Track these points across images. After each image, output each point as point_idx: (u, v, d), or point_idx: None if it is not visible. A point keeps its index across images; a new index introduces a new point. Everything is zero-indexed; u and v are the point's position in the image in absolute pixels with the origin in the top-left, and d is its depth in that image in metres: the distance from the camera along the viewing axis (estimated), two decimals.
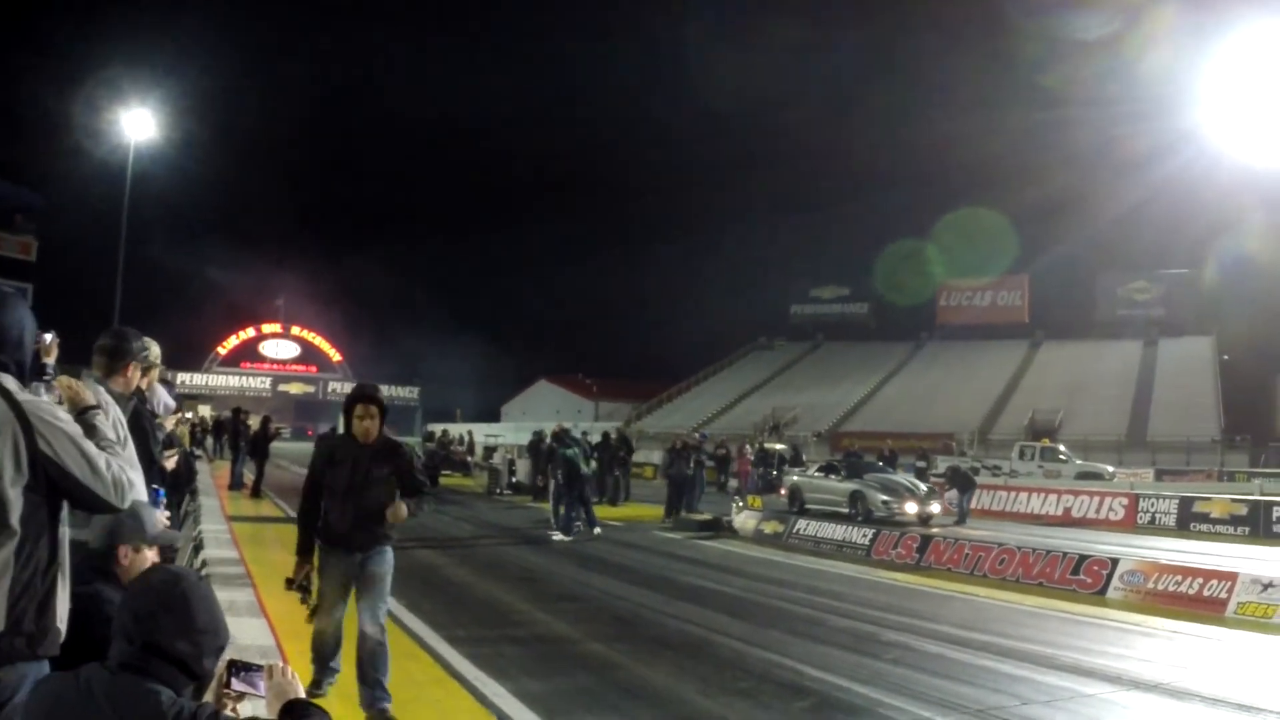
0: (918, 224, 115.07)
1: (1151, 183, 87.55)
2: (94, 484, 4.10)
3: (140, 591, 3.62)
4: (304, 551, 9.48)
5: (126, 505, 4.25)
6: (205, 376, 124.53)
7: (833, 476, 32.91)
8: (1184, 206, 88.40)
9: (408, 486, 9.35)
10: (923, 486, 31.65)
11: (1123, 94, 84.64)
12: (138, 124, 53.31)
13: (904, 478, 32.93)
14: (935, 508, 30.86)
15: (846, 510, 30.43)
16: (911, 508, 29.80)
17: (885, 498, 30.10)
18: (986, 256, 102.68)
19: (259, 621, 11.36)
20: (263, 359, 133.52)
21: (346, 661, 9.36)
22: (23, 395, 4.12)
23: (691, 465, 33.35)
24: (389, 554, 9.48)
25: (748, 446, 47.97)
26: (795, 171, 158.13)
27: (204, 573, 13.38)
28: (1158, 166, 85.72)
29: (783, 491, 35.44)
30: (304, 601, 9.35)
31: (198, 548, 16.43)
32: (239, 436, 36.36)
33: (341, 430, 9.80)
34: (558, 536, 25.27)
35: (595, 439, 39.97)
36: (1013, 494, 38.12)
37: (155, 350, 7.46)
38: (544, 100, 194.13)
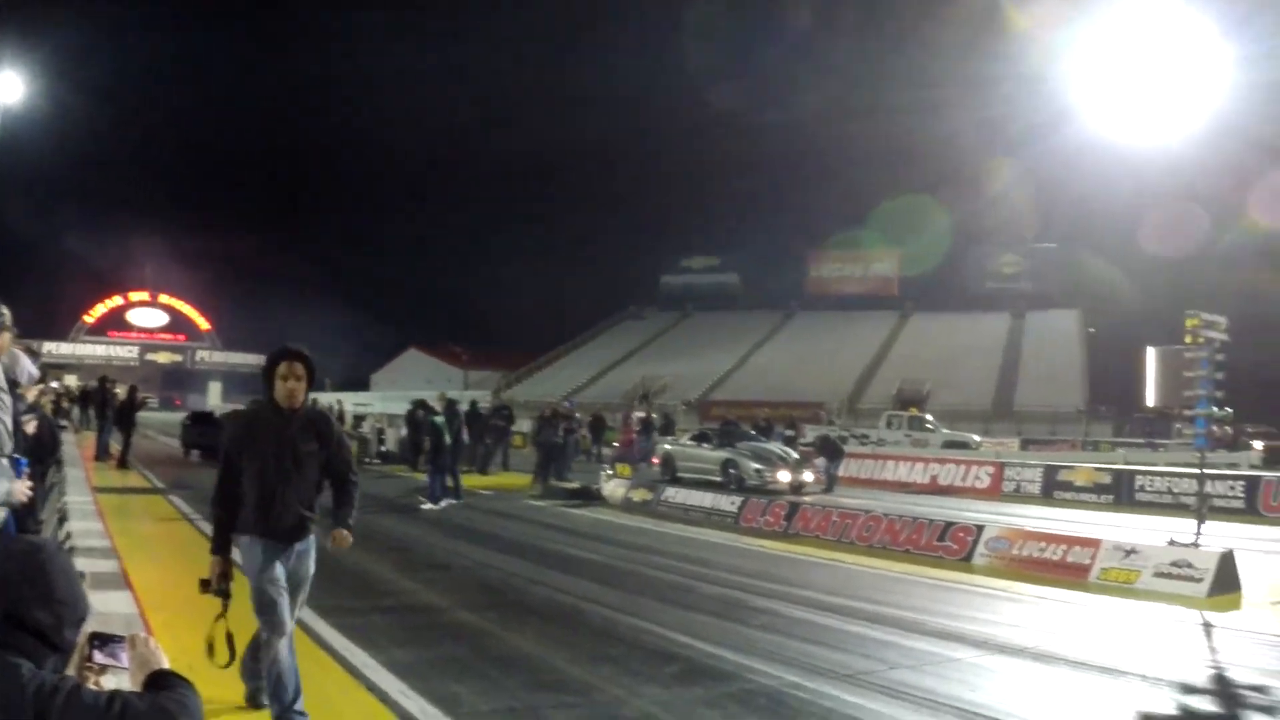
0: (788, 197, 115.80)
1: (1022, 160, 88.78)
2: None
3: None
4: (221, 549, 7.78)
5: None
6: (72, 345, 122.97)
7: (705, 445, 32.95)
8: (1053, 184, 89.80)
9: (335, 469, 8.08)
10: (795, 455, 31.79)
11: (996, 73, 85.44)
12: (6, 87, 52.36)
13: (776, 446, 33.00)
14: (808, 476, 30.87)
15: (719, 478, 30.44)
16: (784, 476, 29.87)
17: (758, 466, 30.18)
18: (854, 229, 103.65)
19: (123, 594, 11.13)
20: (130, 327, 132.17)
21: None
22: None
23: (561, 433, 33.30)
24: (314, 545, 8.11)
25: (634, 415, 47.82)
26: (665, 143, 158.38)
27: (68, 545, 13.11)
28: (1029, 145, 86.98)
29: (655, 460, 35.43)
30: (225, 609, 7.59)
31: (62, 519, 16.10)
32: (106, 406, 35.66)
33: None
34: (426, 506, 25.08)
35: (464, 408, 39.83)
36: (880, 462, 38.48)
37: (5, 313, 7.17)
38: (419, 65, 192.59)
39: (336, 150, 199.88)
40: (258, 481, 7.63)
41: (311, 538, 7.95)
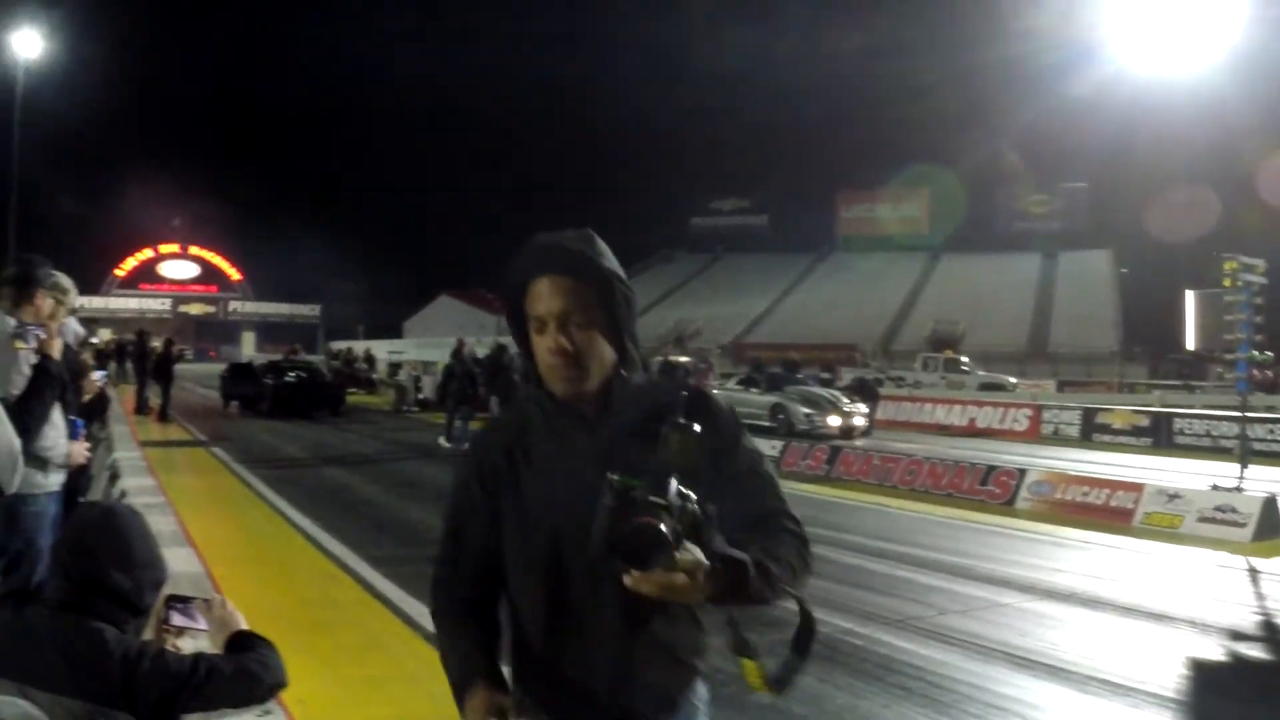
0: (815, 136, 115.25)
1: (1051, 98, 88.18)
2: None
3: (76, 528, 3.57)
4: (487, 675, 2.75)
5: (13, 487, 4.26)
6: (104, 299, 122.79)
7: (753, 390, 32.91)
8: (1083, 121, 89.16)
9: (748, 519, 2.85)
10: (844, 399, 31.72)
11: (1024, 9, 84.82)
12: (26, 44, 52.66)
13: (826, 391, 32.89)
14: (858, 420, 30.90)
15: (768, 424, 30.40)
16: (834, 420, 30.00)
17: (808, 410, 30.23)
18: (883, 169, 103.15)
19: (185, 550, 11.23)
20: (162, 279, 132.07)
21: None
22: None
23: None
24: None
25: (710, 360, 47.34)
26: (694, 85, 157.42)
27: (124, 500, 13.27)
28: (1058, 81, 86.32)
29: None
30: None
31: (114, 476, 16.26)
32: (144, 359, 35.78)
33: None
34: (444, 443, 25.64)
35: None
36: (918, 405, 38.50)
37: (71, 290, 7.29)
38: (449, 12, 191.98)
39: (366, 96, 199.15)
40: (542, 604, 2.87)
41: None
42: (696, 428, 2.51)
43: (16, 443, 4.24)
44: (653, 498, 2.34)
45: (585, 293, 2.74)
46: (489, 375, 28.28)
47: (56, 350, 5.94)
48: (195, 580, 9.25)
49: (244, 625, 3.72)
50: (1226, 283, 17.38)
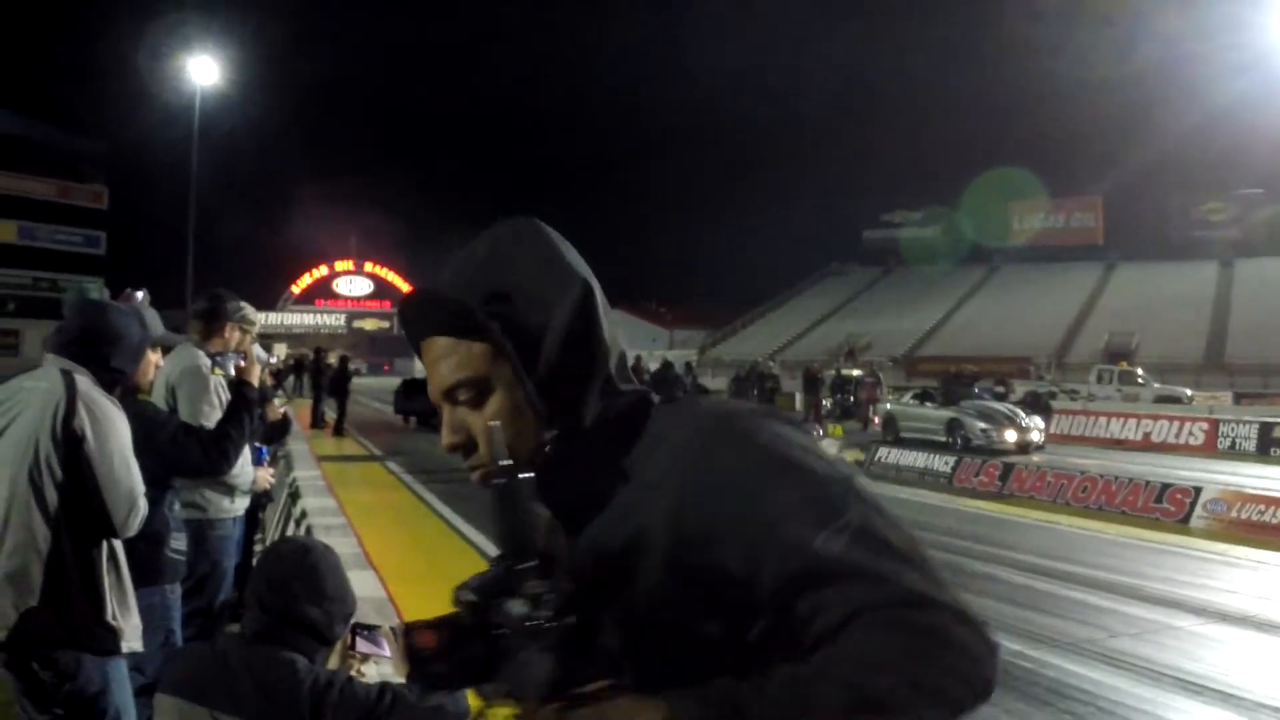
0: (988, 146, 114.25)
1: (1225, 101, 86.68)
2: (112, 496, 4.44)
3: (273, 562, 3.83)
4: None
5: (131, 531, 4.53)
6: (280, 315, 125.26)
7: (929, 404, 32.74)
8: (1258, 125, 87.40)
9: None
10: (1021, 414, 31.38)
11: (1193, 10, 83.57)
12: (203, 70, 54.31)
13: (1004, 405, 32.55)
14: (1035, 436, 30.51)
15: (944, 438, 30.25)
16: (1011, 435, 29.61)
17: (984, 425, 29.86)
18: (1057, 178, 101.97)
19: (368, 574, 11.53)
20: (337, 296, 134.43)
21: None
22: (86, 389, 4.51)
23: (758, 392, 33.17)
24: None
25: (879, 374, 47.01)
26: (866, 99, 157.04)
27: (305, 521, 13.66)
28: (1231, 84, 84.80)
29: (876, 420, 35.34)
30: None
31: (294, 495, 16.68)
32: (320, 375, 36.55)
33: None
34: None
35: (677, 367, 40.21)
36: (1091, 419, 37.99)
37: (257, 321, 7.65)
38: (627, 28, 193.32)
39: (537, 110, 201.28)
40: None
41: None
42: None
43: (140, 488, 4.53)
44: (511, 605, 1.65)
45: (473, 353, 1.95)
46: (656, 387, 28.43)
47: (255, 377, 6.25)
48: (378, 605, 9.51)
49: None
50: None
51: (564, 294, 1.92)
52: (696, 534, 1.73)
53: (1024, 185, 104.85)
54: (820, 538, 1.65)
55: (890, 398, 37.86)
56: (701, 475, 1.76)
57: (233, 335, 7.19)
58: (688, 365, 42.77)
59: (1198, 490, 18.16)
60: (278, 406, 9.10)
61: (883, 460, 25.49)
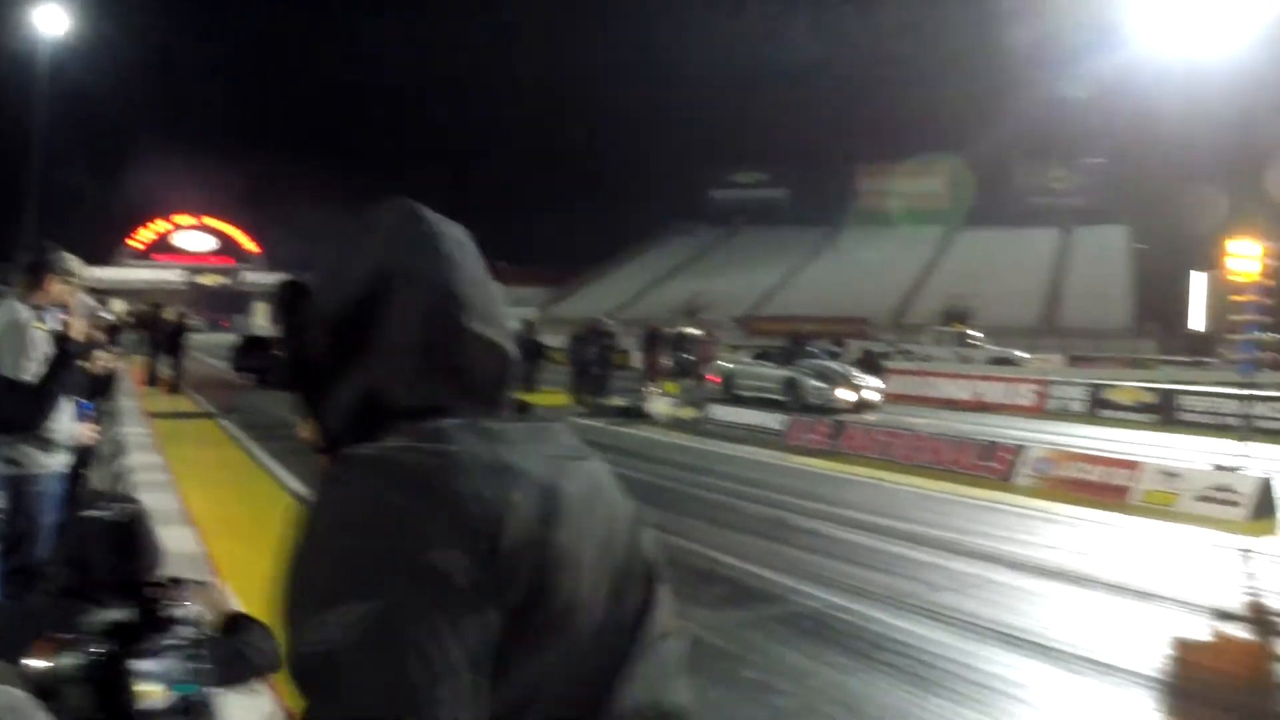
0: (837, 111, 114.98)
1: (1073, 75, 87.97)
2: None
3: (82, 518, 3.72)
4: None
5: None
6: (117, 270, 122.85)
7: (767, 363, 32.72)
8: (1105, 99, 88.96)
9: None
10: (857, 374, 31.61)
11: None
12: (50, 20, 53.19)
13: (839, 365, 32.76)
14: (871, 395, 30.79)
15: (781, 397, 30.32)
16: (847, 395, 29.79)
17: (820, 384, 29.97)
18: (902, 144, 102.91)
19: (187, 530, 11.34)
20: (178, 251, 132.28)
21: None
22: None
23: (596, 349, 33.09)
24: None
25: (715, 333, 47.53)
26: (712, 58, 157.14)
27: (129, 477, 13.38)
28: (1079, 57, 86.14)
29: (711, 377, 35.48)
30: None
31: (118, 452, 16.36)
32: (156, 331, 35.78)
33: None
34: None
35: (513, 324, 39.94)
36: (925, 379, 38.53)
37: (81, 272, 7.43)
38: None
39: (378, 67, 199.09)
40: None
41: None
42: None
43: None
44: None
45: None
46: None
47: (77, 331, 6.08)
48: (194, 561, 9.35)
49: (237, 607, 3.87)
50: (1234, 265, 17.41)
51: (349, 283, 1.69)
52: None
53: (870, 150, 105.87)
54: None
55: (728, 356, 37.98)
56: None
57: (56, 288, 6.97)
58: (528, 324, 42.40)
59: (1022, 448, 18.38)
60: (105, 361, 8.84)
61: (717, 418, 25.58)
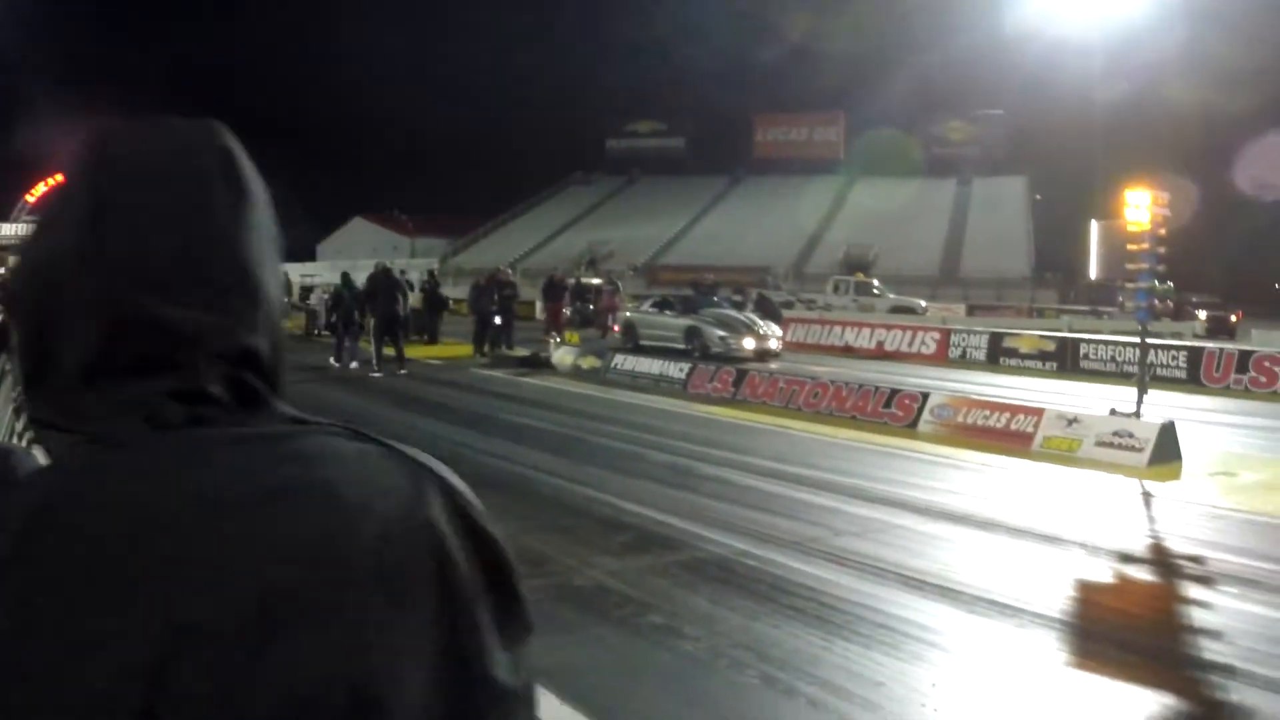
0: (733, 59, 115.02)
1: (968, 25, 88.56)
2: None
3: None
4: None
5: None
6: (14, 226, 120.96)
7: (668, 312, 32.56)
8: (1000, 49, 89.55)
9: None
10: (759, 322, 31.63)
11: None
12: None
13: (741, 313, 32.75)
14: (774, 344, 30.82)
15: (683, 346, 30.26)
16: (749, 343, 29.76)
17: (722, 333, 29.93)
18: (802, 93, 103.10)
19: None
20: None
21: None
22: None
23: (496, 300, 32.95)
24: None
25: (617, 282, 47.74)
26: (609, 5, 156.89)
27: (26, 439, 13.19)
28: (976, 10, 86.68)
29: (616, 328, 35.42)
30: None
31: (18, 410, 16.14)
32: None
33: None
34: (376, 374, 25.46)
35: (415, 275, 39.96)
36: (826, 327, 38.55)
37: None
38: None
39: (275, 16, 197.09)
40: None
41: None
42: None
43: None
44: None
45: None
46: (366, 296, 28.24)
47: None
48: None
49: None
50: (1129, 214, 17.51)
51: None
52: None
53: (770, 99, 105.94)
54: None
55: (630, 305, 37.90)
56: None
57: None
58: (430, 273, 42.26)
59: (925, 395, 18.43)
60: None
61: (619, 367, 25.49)
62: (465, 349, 32.32)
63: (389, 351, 26.39)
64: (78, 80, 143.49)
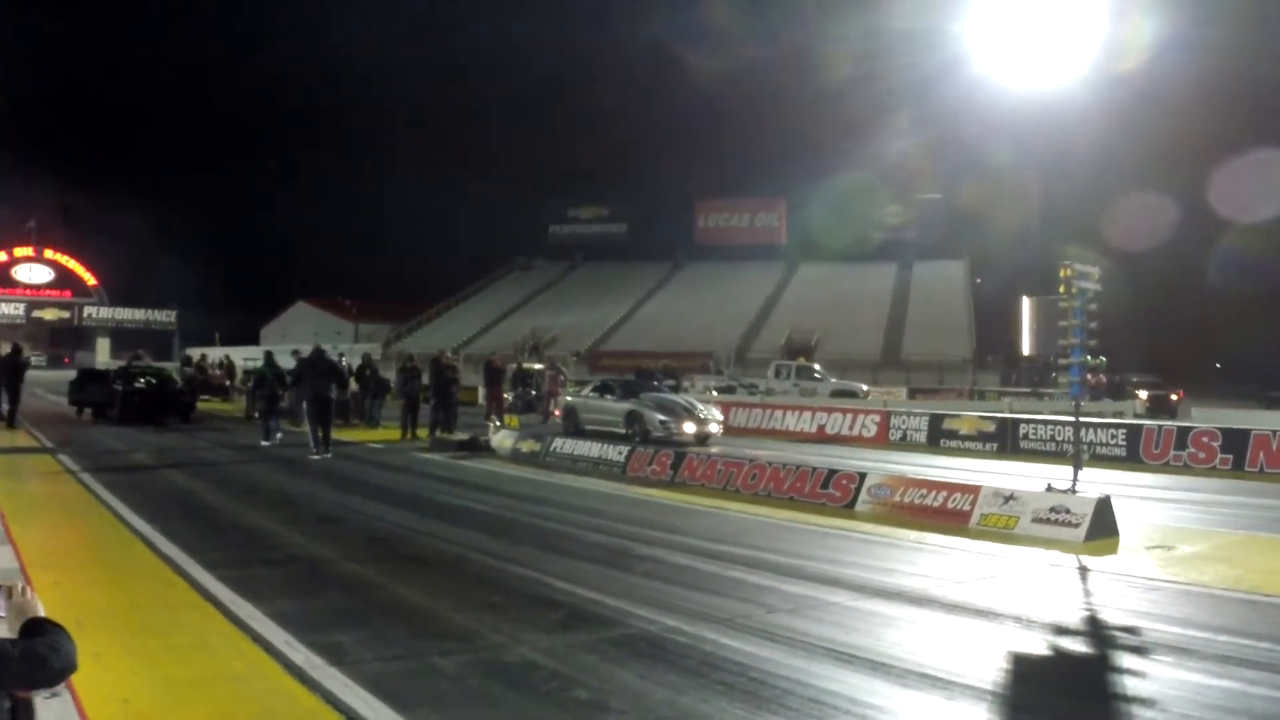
0: (675, 147, 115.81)
1: (909, 111, 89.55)
2: None
3: None
4: None
5: None
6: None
7: (609, 396, 32.87)
8: (940, 134, 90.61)
9: None
10: (699, 406, 31.83)
11: (882, 26, 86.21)
12: None
13: (682, 397, 33.07)
14: (714, 428, 31.09)
15: (624, 430, 30.54)
16: (690, 427, 30.08)
17: (662, 417, 30.25)
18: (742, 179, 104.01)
19: (5, 549, 11.15)
20: (15, 284, 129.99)
21: None
22: None
23: (429, 383, 33.16)
24: None
25: (562, 369, 48.22)
26: (552, 94, 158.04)
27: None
28: (917, 96, 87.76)
29: (557, 412, 35.56)
30: None
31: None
32: None
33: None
34: (315, 457, 25.48)
35: (356, 360, 40.11)
36: (768, 411, 38.80)
37: None
38: (301, 18, 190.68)
39: (222, 105, 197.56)
40: None
41: None
42: None
43: None
44: None
45: None
46: (294, 378, 29.46)
47: None
48: (9, 575, 9.16)
49: (41, 613, 3.84)
50: (1062, 289, 17.63)
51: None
52: None
53: (710, 185, 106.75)
54: None
55: (571, 390, 38.00)
56: None
57: None
58: (365, 357, 42.34)
59: (862, 476, 18.45)
60: None
61: (558, 450, 25.51)
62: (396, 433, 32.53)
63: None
64: (14, 165, 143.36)
